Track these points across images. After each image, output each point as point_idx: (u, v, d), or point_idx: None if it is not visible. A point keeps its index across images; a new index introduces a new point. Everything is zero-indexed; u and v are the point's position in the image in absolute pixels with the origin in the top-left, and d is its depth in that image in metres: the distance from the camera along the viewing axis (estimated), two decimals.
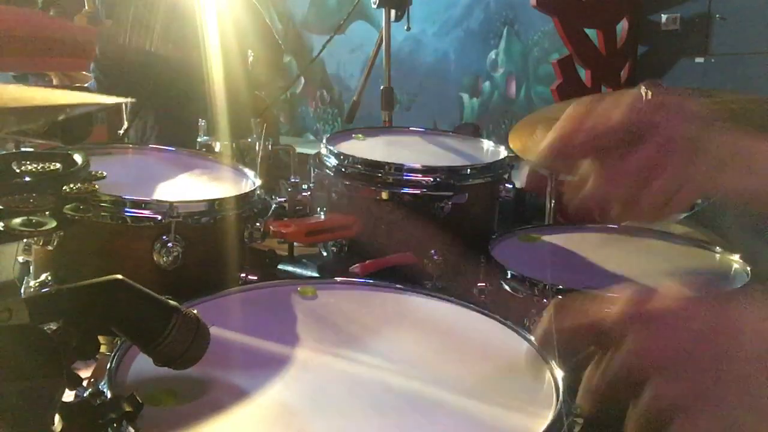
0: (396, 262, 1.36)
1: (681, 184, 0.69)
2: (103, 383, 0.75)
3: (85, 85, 2.66)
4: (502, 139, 1.73)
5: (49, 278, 1.16)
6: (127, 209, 1.13)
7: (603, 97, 0.73)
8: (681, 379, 0.55)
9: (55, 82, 3.05)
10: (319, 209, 1.53)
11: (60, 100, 0.85)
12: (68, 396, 0.69)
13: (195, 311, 0.76)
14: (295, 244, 1.56)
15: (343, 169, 1.48)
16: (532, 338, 0.93)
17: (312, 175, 1.56)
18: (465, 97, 4.31)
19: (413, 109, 4.54)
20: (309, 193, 1.51)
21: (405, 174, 1.43)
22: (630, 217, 0.72)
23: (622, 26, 3.32)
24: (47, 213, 0.73)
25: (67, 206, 0.76)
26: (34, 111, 0.78)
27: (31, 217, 0.71)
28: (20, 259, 1.27)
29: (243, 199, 1.26)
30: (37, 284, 1.17)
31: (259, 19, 2.49)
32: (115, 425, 0.68)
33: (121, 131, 2.31)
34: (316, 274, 1.49)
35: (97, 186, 0.81)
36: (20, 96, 0.80)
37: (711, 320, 0.57)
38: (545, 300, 1.14)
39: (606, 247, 1.43)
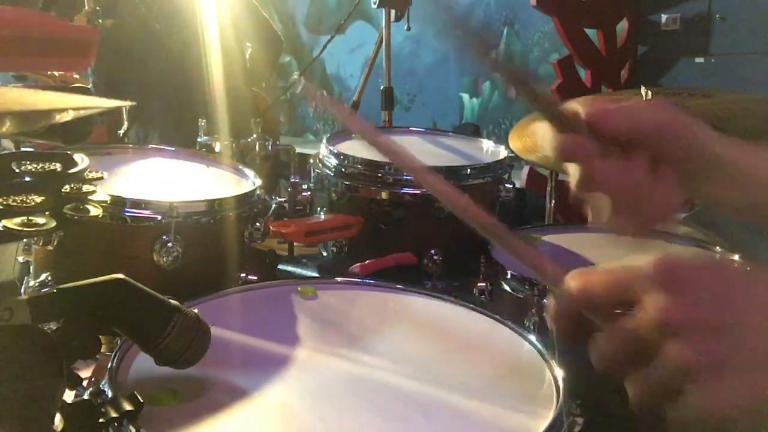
0: (396, 262, 1.36)
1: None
2: (103, 382, 0.76)
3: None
4: (502, 139, 1.73)
5: (49, 278, 1.16)
6: (127, 209, 1.13)
7: (606, 99, 0.72)
8: (702, 343, 0.51)
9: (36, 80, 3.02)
10: (319, 209, 1.53)
11: (61, 104, 0.84)
12: (69, 395, 0.69)
13: (195, 311, 0.76)
14: (295, 244, 1.56)
15: (343, 169, 1.48)
16: (533, 338, 0.93)
17: (312, 175, 1.56)
18: (465, 97, 4.31)
19: (413, 109, 4.53)
20: (309, 193, 1.51)
21: (405, 174, 1.43)
22: (625, 226, 0.71)
23: (622, 26, 3.31)
24: (47, 213, 0.73)
25: (67, 206, 0.76)
26: (34, 115, 0.77)
27: (31, 217, 0.71)
28: (20, 259, 1.27)
29: (243, 199, 1.26)
30: (37, 284, 1.17)
31: (257, 13, 2.48)
32: (115, 424, 0.68)
33: (121, 131, 2.30)
34: (316, 274, 1.49)
35: (96, 186, 0.81)
36: (21, 99, 0.80)
37: (743, 287, 0.55)
38: (545, 300, 1.14)
39: (606, 247, 1.42)
